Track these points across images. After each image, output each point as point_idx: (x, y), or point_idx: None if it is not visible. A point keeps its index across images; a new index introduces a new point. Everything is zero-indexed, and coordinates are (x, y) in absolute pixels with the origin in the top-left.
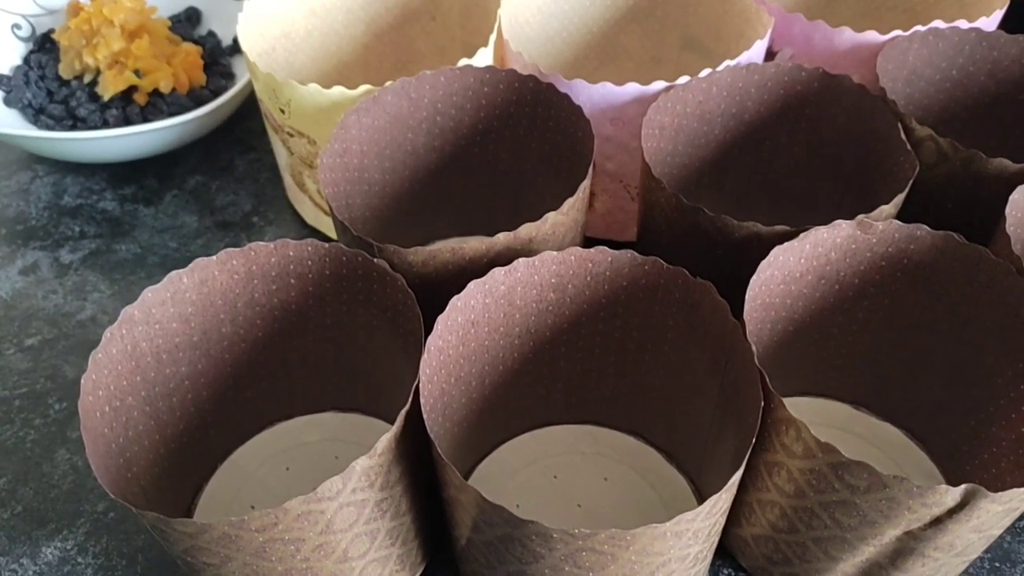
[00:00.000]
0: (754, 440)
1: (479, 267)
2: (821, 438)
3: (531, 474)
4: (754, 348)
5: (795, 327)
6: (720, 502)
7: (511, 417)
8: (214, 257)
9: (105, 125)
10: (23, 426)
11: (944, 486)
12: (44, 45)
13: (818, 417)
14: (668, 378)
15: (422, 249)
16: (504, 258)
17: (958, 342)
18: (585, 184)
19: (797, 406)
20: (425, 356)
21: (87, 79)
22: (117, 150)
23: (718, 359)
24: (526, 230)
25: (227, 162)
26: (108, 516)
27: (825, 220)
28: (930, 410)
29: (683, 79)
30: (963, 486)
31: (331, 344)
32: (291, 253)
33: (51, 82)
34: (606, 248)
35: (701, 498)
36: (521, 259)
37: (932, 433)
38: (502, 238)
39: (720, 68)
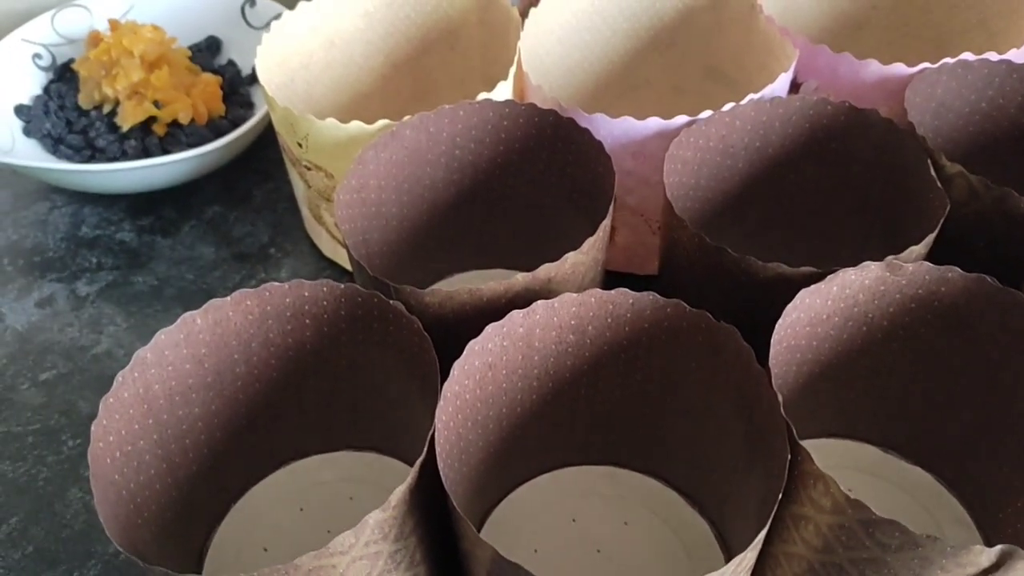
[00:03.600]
0: (780, 494)
1: (497, 308)
2: (849, 482)
3: (550, 517)
4: (780, 397)
5: (822, 369)
6: (745, 560)
7: (530, 459)
8: (228, 298)
9: (124, 156)
10: (36, 463)
11: (979, 547)
12: (64, 75)
13: (847, 460)
14: (691, 422)
15: (439, 290)
16: (523, 299)
17: (990, 387)
18: (606, 223)
19: (825, 448)
20: (441, 403)
21: (106, 109)
22: (135, 181)
23: (742, 405)
24: (545, 271)
25: (245, 192)
26: (119, 558)
27: (852, 257)
28: (961, 455)
29: (705, 113)
30: (999, 547)
31: (346, 384)
32: (306, 294)
33: (70, 112)
34: (627, 290)
35: (724, 544)
36: (540, 301)
37: (963, 479)
38: (520, 279)
39: (744, 102)
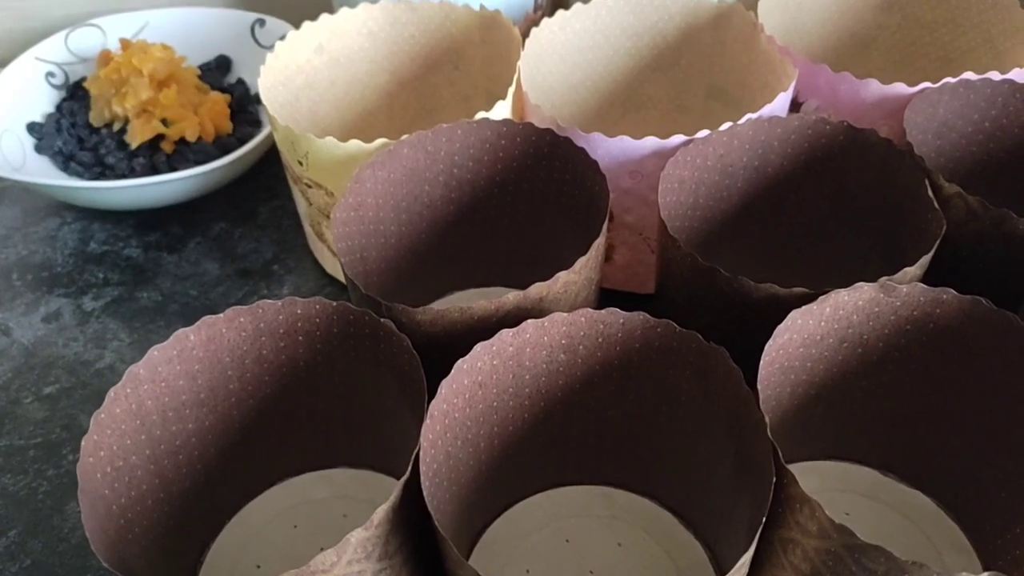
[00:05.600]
0: (765, 517)
1: (488, 327)
2: (847, 505)
3: (543, 537)
4: (767, 419)
5: (816, 391)
6: None
7: (522, 478)
8: (221, 315)
9: (132, 173)
10: (36, 477)
11: (966, 574)
12: (76, 93)
13: (843, 483)
14: (683, 442)
15: (430, 309)
16: (513, 318)
17: (988, 409)
18: (599, 242)
19: (822, 470)
20: (427, 422)
21: (116, 127)
22: (143, 198)
23: (732, 426)
24: (536, 290)
25: (250, 209)
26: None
27: (850, 277)
28: (960, 479)
29: (703, 133)
30: (986, 574)
31: (339, 401)
32: (299, 311)
33: (82, 129)
34: (617, 310)
35: (718, 566)
36: (530, 320)
37: (963, 502)
38: (511, 298)
39: (742, 121)
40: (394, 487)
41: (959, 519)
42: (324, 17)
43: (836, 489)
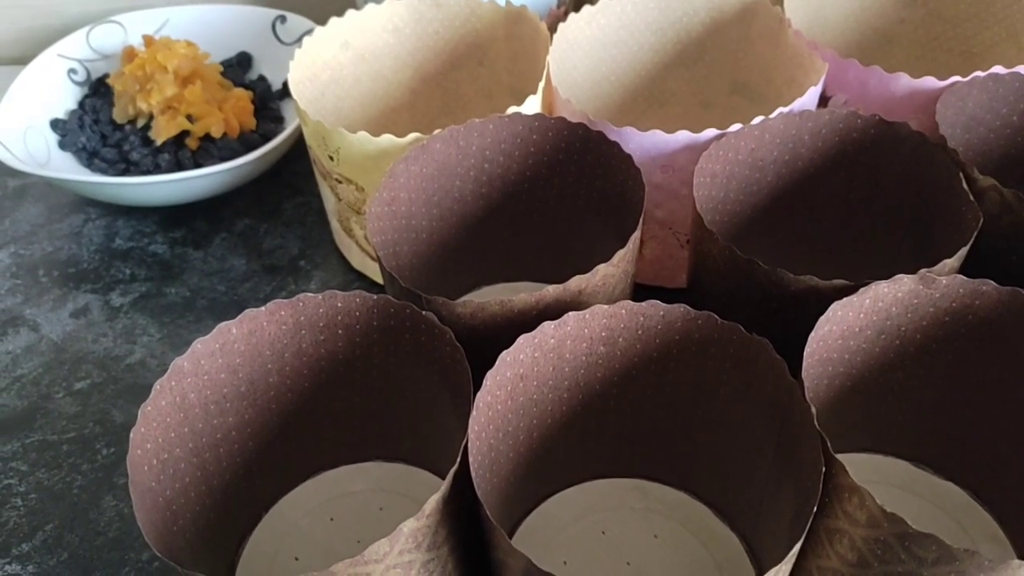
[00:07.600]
0: (815, 508)
1: (528, 320)
2: (881, 497)
3: (579, 529)
4: (814, 410)
5: (853, 382)
6: (780, 574)
7: (559, 470)
8: (263, 308)
9: (157, 169)
10: (70, 471)
11: (1017, 561)
12: (99, 90)
13: (877, 475)
14: (721, 434)
15: (471, 302)
16: (553, 311)
17: None
18: (636, 235)
19: (856, 463)
20: (474, 413)
21: (140, 123)
22: (168, 194)
23: (774, 418)
24: (576, 283)
25: (275, 205)
26: (152, 565)
27: (882, 271)
28: (995, 471)
29: (735, 127)
30: None
31: (378, 394)
32: (339, 304)
33: (105, 126)
34: (658, 302)
35: (755, 558)
36: (571, 312)
37: (997, 495)
38: (551, 291)
39: (773, 115)
40: (429, 481)
41: (993, 511)
42: (350, 13)
43: (870, 481)
